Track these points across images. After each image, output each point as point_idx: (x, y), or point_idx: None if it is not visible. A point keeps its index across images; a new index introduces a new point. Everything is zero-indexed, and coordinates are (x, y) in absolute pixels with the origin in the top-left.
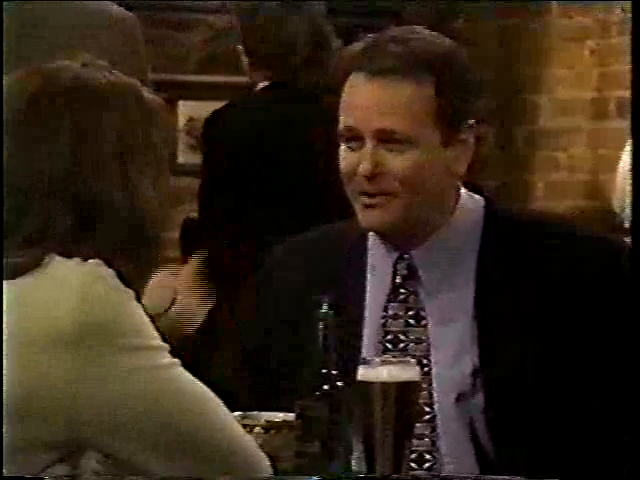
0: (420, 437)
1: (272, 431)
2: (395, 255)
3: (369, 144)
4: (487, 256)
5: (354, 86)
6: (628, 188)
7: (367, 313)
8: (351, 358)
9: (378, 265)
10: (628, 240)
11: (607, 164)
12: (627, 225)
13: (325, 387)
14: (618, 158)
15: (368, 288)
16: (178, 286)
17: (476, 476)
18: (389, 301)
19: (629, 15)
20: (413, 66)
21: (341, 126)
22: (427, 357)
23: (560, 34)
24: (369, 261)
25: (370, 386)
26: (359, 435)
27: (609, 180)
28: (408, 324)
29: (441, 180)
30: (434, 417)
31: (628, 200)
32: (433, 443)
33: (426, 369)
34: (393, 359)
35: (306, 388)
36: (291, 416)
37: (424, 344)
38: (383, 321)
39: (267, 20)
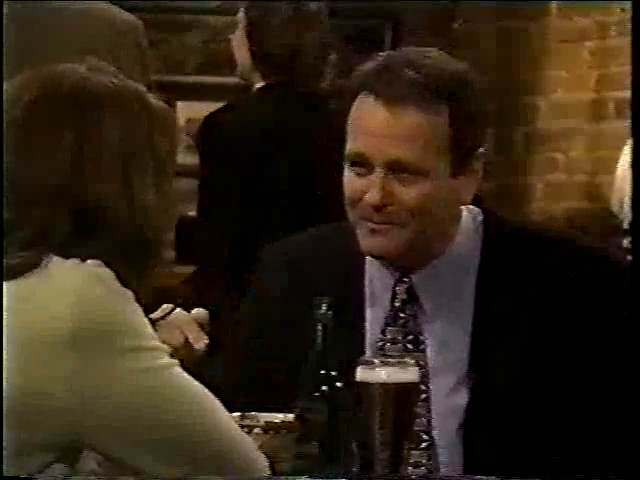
0: (416, 465)
1: (271, 432)
2: (394, 277)
3: (379, 173)
4: (486, 279)
5: (364, 109)
6: (627, 189)
7: (367, 330)
8: (350, 360)
9: (375, 285)
10: (627, 241)
11: (606, 165)
12: (626, 226)
13: (324, 388)
14: (617, 159)
15: (367, 309)
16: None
17: (471, 477)
18: (387, 325)
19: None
20: (428, 95)
21: (349, 150)
22: (426, 383)
23: (559, 36)
24: (367, 281)
25: (369, 387)
26: (358, 436)
27: (608, 181)
28: (407, 349)
29: (448, 209)
30: (431, 445)
31: (627, 201)
32: (430, 472)
33: (424, 395)
34: (392, 360)
35: (305, 389)
36: (290, 417)
37: (423, 370)
38: (381, 344)
39: (280, 23)
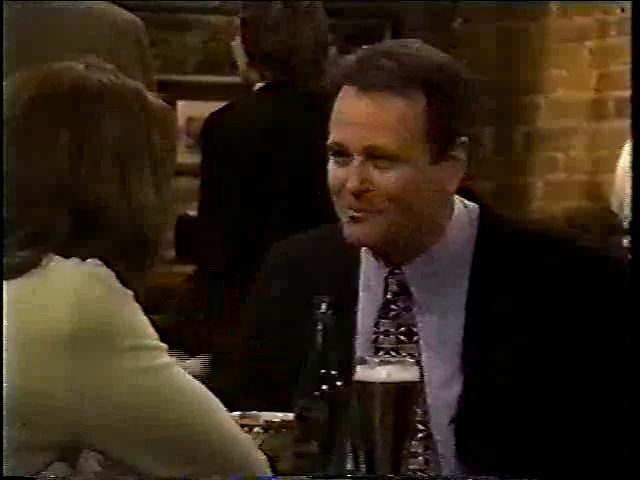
0: (414, 455)
1: (271, 431)
2: (386, 270)
3: (356, 160)
4: (480, 272)
5: (345, 100)
6: (627, 188)
7: (359, 326)
8: (349, 360)
9: (370, 279)
10: (627, 240)
11: (606, 164)
12: (626, 225)
13: (324, 387)
14: (617, 158)
15: (360, 302)
16: None
17: (471, 477)
18: (380, 317)
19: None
20: (404, 82)
21: (330, 141)
22: (420, 375)
23: (559, 35)
24: (362, 276)
25: (369, 386)
26: (358, 435)
27: (608, 181)
28: (399, 340)
29: (431, 197)
30: (428, 435)
31: (627, 200)
32: (427, 462)
33: (420, 386)
34: (392, 359)
35: (305, 388)
36: (290, 416)
37: (416, 361)
38: (374, 337)
39: (273, 19)
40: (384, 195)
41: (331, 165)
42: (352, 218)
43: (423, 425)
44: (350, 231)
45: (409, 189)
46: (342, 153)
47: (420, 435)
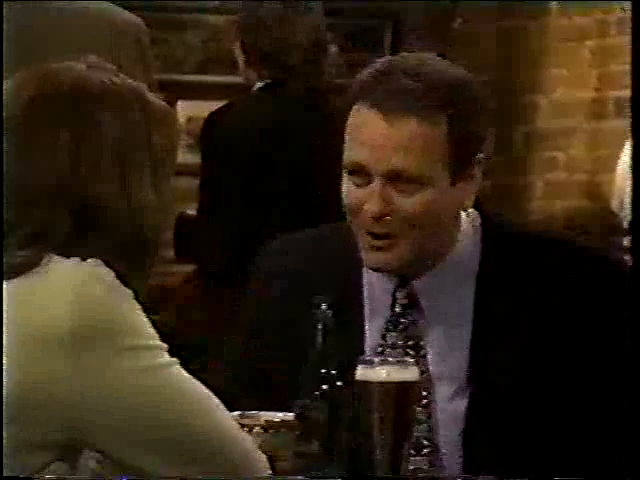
0: (418, 471)
1: (271, 431)
2: (394, 283)
3: (377, 183)
4: (486, 280)
5: (363, 118)
6: (627, 188)
7: (366, 338)
8: (349, 360)
9: (376, 291)
10: (627, 240)
11: (606, 164)
12: (626, 225)
13: (324, 387)
14: (617, 158)
15: (366, 314)
16: None
17: (471, 477)
18: (388, 330)
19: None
20: (427, 104)
21: (348, 160)
22: (427, 389)
23: (559, 35)
24: (365, 285)
25: (369, 386)
26: (358, 435)
27: (608, 180)
28: (407, 354)
29: (449, 217)
30: (432, 451)
31: (627, 200)
32: (431, 477)
33: (425, 401)
34: (392, 359)
35: (305, 388)
36: (290, 416)
37: (424, 375)
38: (381, 349)
39: (269, 18)
40: (405, 219)
41: (347, 184)
42: (374, 247)
43: (428, 441)
44: (371, 258)
45: (431, 212)
46: (360, 173)
47: (425, 451)
